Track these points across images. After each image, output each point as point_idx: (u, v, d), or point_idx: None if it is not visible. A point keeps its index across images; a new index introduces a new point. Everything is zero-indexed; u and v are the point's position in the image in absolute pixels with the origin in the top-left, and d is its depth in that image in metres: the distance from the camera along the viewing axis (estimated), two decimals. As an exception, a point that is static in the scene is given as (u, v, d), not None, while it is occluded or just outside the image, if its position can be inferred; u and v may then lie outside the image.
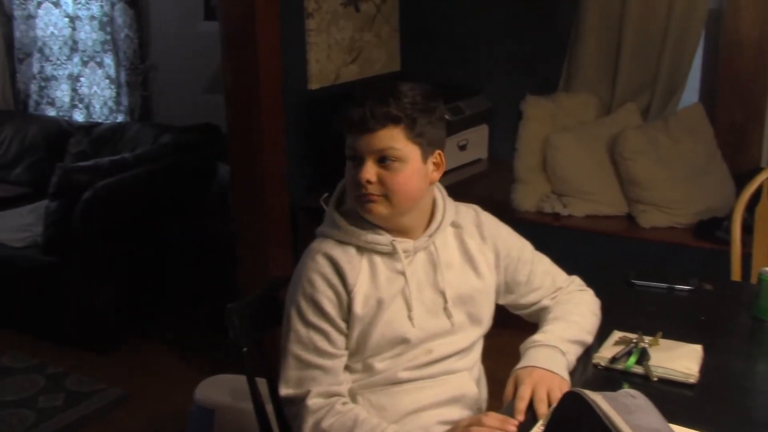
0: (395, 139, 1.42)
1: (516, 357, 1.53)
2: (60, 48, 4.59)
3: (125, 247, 3.41)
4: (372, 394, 1.52)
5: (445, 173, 3.18)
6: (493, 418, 1.31)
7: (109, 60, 4.44)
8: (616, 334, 1.62)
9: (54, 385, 3.14)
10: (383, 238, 1.49)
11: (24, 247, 3.52)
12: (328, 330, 1.47)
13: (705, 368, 1.48)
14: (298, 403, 1.46)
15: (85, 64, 4.55)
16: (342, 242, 1.50)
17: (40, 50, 4.63)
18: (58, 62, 4.63)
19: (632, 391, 0.95)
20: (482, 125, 3.29)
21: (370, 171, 1.42)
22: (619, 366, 1.51)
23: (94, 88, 4.56)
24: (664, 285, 1.91)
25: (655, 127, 3.19)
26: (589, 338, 1.59)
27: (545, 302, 1.67)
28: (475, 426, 1.31)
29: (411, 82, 1.51)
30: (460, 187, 3.06)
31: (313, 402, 1.43)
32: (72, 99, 4.65)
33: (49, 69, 4.66)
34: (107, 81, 4.49)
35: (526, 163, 3.38)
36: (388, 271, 1.50)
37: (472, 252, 1.58)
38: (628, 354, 1.53)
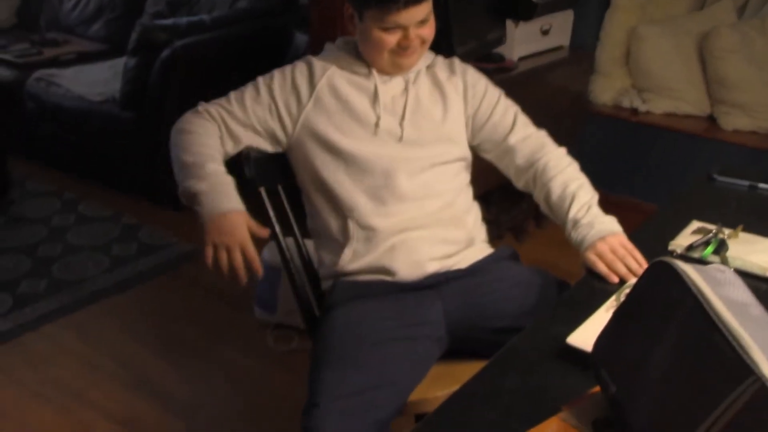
0: (429, 4, 1.59)
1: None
2: None
3: (200, 109, 3.46)
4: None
5: (524, 58, 3.12)
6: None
7: None
8: (695, 224, 1.61)
9: (127, 235, 3.28)
10: (362, 66, 1.67)
11: (102, 102, 3.59)
12: (262, 100, 1.64)
13: (783, 264, 1.47)
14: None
15: None
16: (324, 59, 1.69)
17: None
18: None
19: (721, 267, 0.95)
20: (568, 10, 3.17)
21: (414, 35, 1.59)
22: (696, 254, 1.51)
23: (174, -53, 4.50)
24: (746, 182, 1.87)
25: (750, 25, 3.05)
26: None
27: (513, 141, 1.72)
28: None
29: None
30: (538, 74, 3.00)
31: (202, 108, 1.67)
32: (151, -42, 4.61)
33: (129, -75, 4.60)
34: (187, -59, 4.43)
35: (609, 54, 3.29)
36: (360, 76, 1.66)
37: (440, 79, 1.71)
38: (706, 243, 1.52)
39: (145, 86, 3.38)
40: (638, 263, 1.47)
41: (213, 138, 1.62)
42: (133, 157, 3.54)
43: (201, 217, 1.51)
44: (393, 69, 1.65)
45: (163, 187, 3.52)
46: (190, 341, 2.64)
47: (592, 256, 1.49)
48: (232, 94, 1.68)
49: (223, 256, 1.48)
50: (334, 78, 1.66)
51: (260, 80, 1.68)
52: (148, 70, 3.35)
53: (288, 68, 1.68)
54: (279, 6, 3.81)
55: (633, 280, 1.40)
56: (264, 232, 1.53)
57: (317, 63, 1.68)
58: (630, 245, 1.51)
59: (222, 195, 1.52)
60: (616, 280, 1.45)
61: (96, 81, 3.78)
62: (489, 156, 1.77)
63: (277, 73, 1.68)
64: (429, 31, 1.62)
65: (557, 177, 1.67)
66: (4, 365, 2.49)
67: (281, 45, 3.62)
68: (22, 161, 3.91)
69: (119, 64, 3.70)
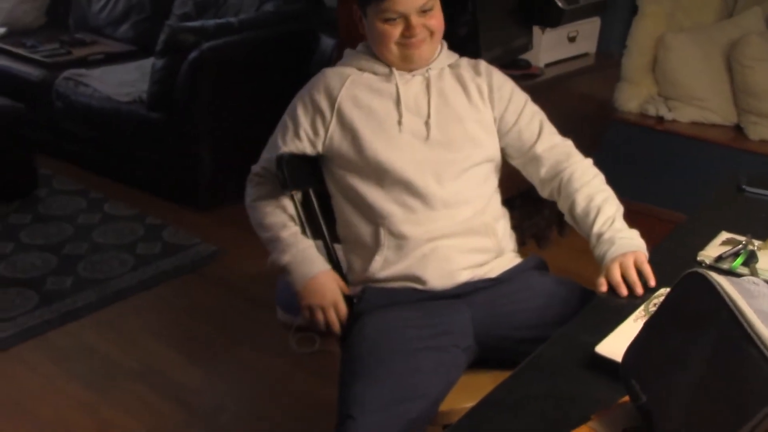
0: None
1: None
2: None
3: (225, 109, 3.49)
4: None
5: (550, 65, 3.11)
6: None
7: None
8: (724, 235, 1.60)
9: (152, 234, 3.31)
10: (383, 65, 1.67)
11: (129, 102, 3.63)
12: (291, 133, 1.69)
13: (813, 277, 1.46)
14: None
15: (194, -76, 4.51)
16: (343, 67, 1.71)
17: None
18: None
19: (755, 279, 0.95)
20: (595, 17, 3.16)
21: (418, 23, 1.59)
22: (725, 266, 1.50)
23: (202, -50, 4.54)
24: (776, 194, 1.86)
25: (780, 34, 3.02)
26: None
27: (540, 150, 1.71)
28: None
29: None
30: (564, 80, 2.99)
31: (252, 173, 1.75)
32: (179, -40, 4.65)
33: (158, -72, 4.65)
34: (214, -57, 4.46)
35: (636, 62, 3.27)
36: (380, 79, 1.67)
37: (465, 79, 1.70)
38: (735, 255, 1.51)
39: (172, 87, 3.41)
40: (638, 278, 1.45)
41: (273, 201, 1.71)
42: (159, 157, 3.58)
43: (294, 285, 1.65)
44: (404, 63, 1.65)
45: (187, 188, 3.55)
46: (213, 341, 2.66)
47: (611, 270, 1.48)
48: (270, 140, 1.74)
49: (319, 316, 1.63)
50: (354, 87, 1.66)
51: (285, 116, 1.72)
52: (175, 71, 3.38)
53: (306, 92, 1.71)
54: (306, 9, 3.83)
55: (663, 290, 1.40)
56: (347, 290, 1.66)
57: (333, 76, 1.69)
58: (642, 263, 1.48)
59: (306, 261, 1.64)
60: (623, 291, 1.44)
61: (123, 81, 3.82)
62: (514, 162, 1.77)
63: (298, 101, 1.71)
64: (435, 22, 1.62)
65: (582, 189, 1.66)
66: (29, 361, 2.52)
67: (308, 48, 3.63)
68: (49, 160, 3.96)
69: (147, 65, 3.73)
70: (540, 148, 1.71)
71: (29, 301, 2.80)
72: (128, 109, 3.62)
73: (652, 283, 1.44)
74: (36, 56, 4.15)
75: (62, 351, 2.58)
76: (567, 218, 1.72)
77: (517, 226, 3.08)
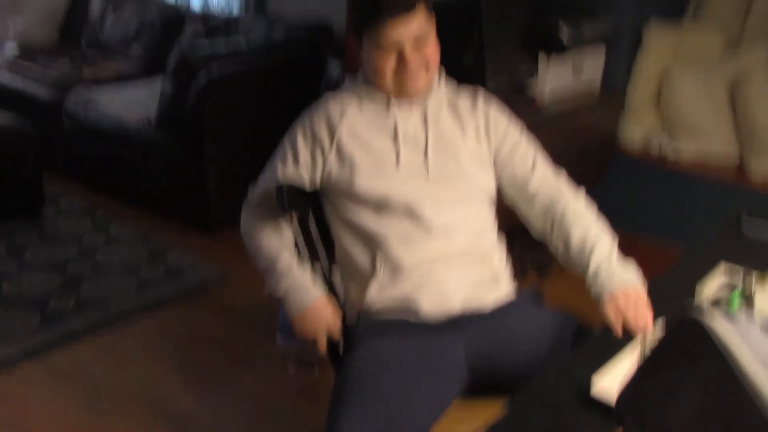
0: (424, 18, 1.61)
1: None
2: (183, -66, 4.64)
3: (233, 132, 3.52)
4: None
5: (555, 96, 3.12)
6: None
7: (229, -51, 4.48)
8: (722, 268, 1.61)
9: (156, 256, 3.33)
10: (381, 95, 1.68)
11: (138, 122, 3.66)
12: (290, 161, 1.71)
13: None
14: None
15: (206, -48, 4.60)
16: (343, 94, 1.73)
17: (166, -65, 4.70)
18: (181, -52, 4.69)
19: (750, 320, 0.96)
20: (599, 49, 3.19)
21: (412, 55, 1.60)
22: (723, 301, 1.51)
23: (213, -24, 4.62)
24: (776, 229, 1.86)
25: (783, 71, 3.04)
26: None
27: (533, 188, 1.73)
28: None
29: None
30: (568, 112, 3.01)
31: (248, 199, 1.79)
32: (191, -15, 4.72)
33: (171, -48, 4.73)
34: (226, -30, 4.54)
35: (640, 95, 3.29)
36: (378, 111, 1.68)
37: (463, 114, 1.72)
38: (733, 290, 1.52)
39: (181, 109, 3.44)
40: (640, 315, 1.46)
41: (268, 228, 1.74)
42: (166, 179, 3.61)
43: (289, 314, 1.68)
44: (400, 93, 1.66)
45: (193, 210, 3.57)
46: (213, 366, 2.66)
47: (609, 310, 1.50)
48: (268, 166, 1.76)
49: (315, 341, 1.66)
50: (353, 119, 1.68)
51: (285, 141, 1.74)
52: (184, 93, 3.42)
53: (307, 121, 1.72)
54: (315, 35, 3.88)
55: (659, 327, 1.40)
56: (339, 320, 1.67)
57: (334, 105, 1.71)
58: (639, 297, 1.50)
59: (300, 291, 1.67)
60: (619, 332, 1.45)
61: (133, 101, 3.86)
62: (507, 197, 1.78)
63: (298, 129, 1.72)
64: (430, 51, 1.64)
65: (575, 228, 1.67)
66: (30, 381, 2.53)
67: (316, 73, 3.68)
68: (57, 178, 3.99)
69: (156, 85, 3.78)
70: (533, 185, 1.73)
71: (32, 321, 2.81)
72: (137, 129, 3.65)
73: (650, 330, 1.43)
74: (47, 74, 4.20)
75: (63, 372, 2.58)
76: (561, 256, 1.72)
77: (518, 256, 3.09)
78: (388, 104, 1.68)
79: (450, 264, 1.65)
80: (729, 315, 0.94)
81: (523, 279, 3.13)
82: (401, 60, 1.61)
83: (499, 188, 1.76)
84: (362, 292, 1.67)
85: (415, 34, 1.59)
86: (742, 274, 1.55)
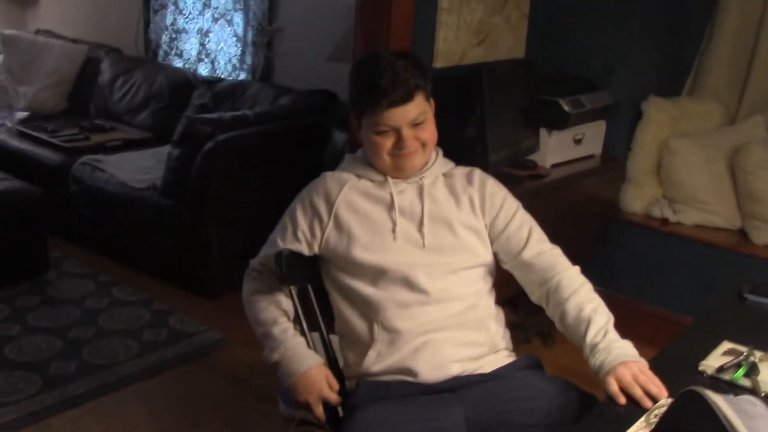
0: (421, 104, 1.67)
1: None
2: (193, 3, 4.76)
3: (238, 201, 3.56)
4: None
5: (556, 165, 3.18)
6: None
7: (238, 19, 4.58)
8: (725, 345, 1.61)
9: (158, 320, 3.32)
10: (378, 174, 1.74)
11: (144, 189, 3.71)
12: (289, 233, 1.75)
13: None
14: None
15: (215, 20, 4.70)
16: (342, 172, 1.78)
17: (175, 3, 4.82)
18: (190, 16, 4.80)
19: (752, 398, 0.96)
20: (600, 121, 3.25)
21: (409, 136, 1.66)
22: (726, 377, 1.50)
23: (221, 44, 4.71)
24: (778, 303, 1.87)
25: (781, 142, 3.09)
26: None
27: (527, 257, 1.74)
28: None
29: (410, 55, 1.74)
30: (570, 181, 3.05)
31: (250, 267, 1.83)
32: (199, 53, 4.82)
33: (181, 22, 4.85)
34: (234, 39, 4.64)
35: (640, 165, 3.34)
36: (375, 186, 1.74)
37: (458, 189, 1.76)
38: (737, 366, 1.52)
39: (187, 176, 3.49)
40: (658, 389, 1.44)
41: (268, 297, 1.77)
42: (170, 244, 3.63)
43: (284, 381, 1.70)
44: (396, 172, 1.73)
45: (196, 275, 3.58)
46: (214, 431, 2.64)
47: (611, 380, 1.48)
48: (270, 238, 1.81)
49: (311, 408, 1.67)
50: (351, 193, 1.73)
51: (285, 215, 1.79)
52: (190, 160, 3.47)
53: (306, 194, 1.78)
54: (320, 103, 3.95)
55: (663, 401, 1.40)
56: (336, 384, 1.69)
57: (332, 181, 1.76)
58: (649, 372, 1.49)
59: (295, 358, 1.69)
60: (623, 401, 1.43)
61: (139, 168, 3.91)
62: (505, 267, 1.81)
63: (297, 203, 1.78)
64: (427, 134, 1.70)
65: (571, 299, 1.68)
66: (29, 447, 2.50)
67: (320, 141, 3.73)
68: (61, 242, 4.01)
69: (163, 152, 3.82)
70: (527, 255, 1.75)
71: (32, 386, 2.79)
72: (142, 195, 3.69)
73: (665, 394, 1.42)
74: (55, 141, 4.26)
75: (62, 438, 2.56)
76: (558, 326, 1.73)
77: (521, 323, 3.11)
78: (384, 180, 1.73)
79: (447, 331, 1.66)
80: (731, 398, 0.94)
81: (527, 346, 3.12)
82: (398, 140, 1.67)
83: (496, 257, 1.79)
84: (361, 359, 1.68)
85: (413, 119, 1.66)
86: (745, 353, 1.54)
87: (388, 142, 1.68)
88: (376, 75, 1.64)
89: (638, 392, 1.43)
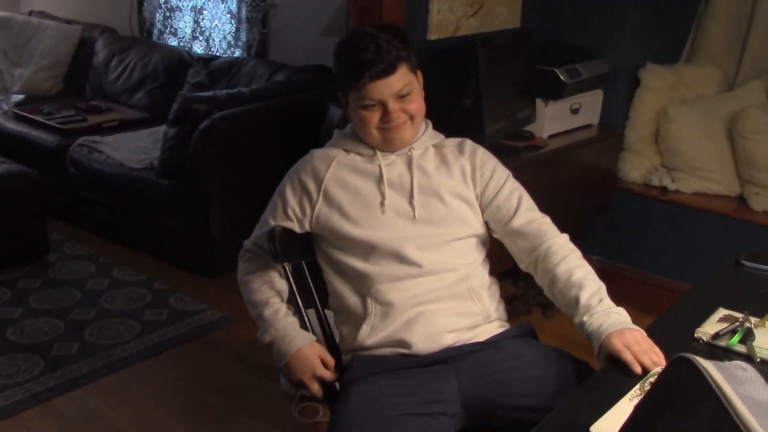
0: (406, 75, 1.66)
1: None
2: (186, -20, 4.73)
3: (236, 178, 3.55)
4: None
5: (554, 136, 3.17)
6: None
7: (231, -5, 4.55)
8: (721, 312, 1.61)
9: (159, 300, 3.34)
10: (366, 147, 1.74)
11: (141, 169, 3.70)
12: (280, 211, 1.76)
13: (811, 355, 1.46)
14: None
15: (209, -3, 4.67)
16: (329, 148, 1.78)
17: (168, -20, 4.79)
18: (184, -7, 4.77)
19: (743, 364, 0.96)
20: (597, 90, 3.23)
21: (395, 108, 1.66)
22: (722, 343, 1.50)
23: (216, 21, 4.68)
24: (775, 269, 1.87)
25: (780, 107, 3.07)
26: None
27: (517, 225, 1.73)
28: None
29: (394, 28, 1.72)
30: (567, 151, 3.04)
31: (244, 248, 1.82)
32: (193, 31, 4.80)
33: (174, 0, 4.82)
34: (228, 16, 4.60)
35: (638, 133, 3.32)
36: (364, 160, 1.74)
37: (449, 159, 1.76)
38: (733, 332, 1.52)
39: (183, 155, 3.48)
40: (659, 357, 1.44)
41: (261, 277, 1.76)
42: (169, 223, 3.63)
43: (277, 361, 1.70)
44: (386, 145, 1.72)
45: (196, 255, 3.59)
46: (217, 409, 2.65)
47: (618, 344, 1.46)
48: (261, 218, 1.81)
49: (306, 387, 1.67)
50: (339, 169, 1.73)
51: (275, 194, 1.80)
52: (187, 139, 3.45)
53: (294, 172, 1.78)
54: (315, 79, 3.93)
55: (657, 370, 1.41)
56: (330, 360, 1.68)
57: (320, 158, 1.77)
58: (649, 340, 1.49)
59: (286, 339, 1.68)
60: (639, 370, 1.42)
61: (136, 148, 3.91)
62: (495, 236, 1.80)
63: (286, 181, 1.78)
64: (414, 107, 1.69)
65: (561, 264, 1.67)
66: (33, 428, 2.52)
67: (316, 117, 3.71)
68: (62, 224, 4.02)
69: (159, 132, 3.82)
70: (517, 223, 1.74)
71: (35, 367, 2.81)
72: (140, 175, 3.69)
73: (664, 362, 1.42)
74: (52, 122, 4.25)
75: (66, 418, 2.57)
76: (546, 293, 1.73)
77: (522, 294, 3.11)
78: (373, 154, 1.73)
79: (439, 302, 1.66)
80: (721, 364, 0.94)
81: (528, 317, 3.13)
82: (385, 113, 1.67)
83: (487, 227, 1.79)
84: (355, 333, 1.69)
85: (397, 91, 1.65)
86: (741, 319, 1.54)
87: (374, 116, 1.68)
88: (359, 49, 1.63)
89: (647, 361, 1.42)
